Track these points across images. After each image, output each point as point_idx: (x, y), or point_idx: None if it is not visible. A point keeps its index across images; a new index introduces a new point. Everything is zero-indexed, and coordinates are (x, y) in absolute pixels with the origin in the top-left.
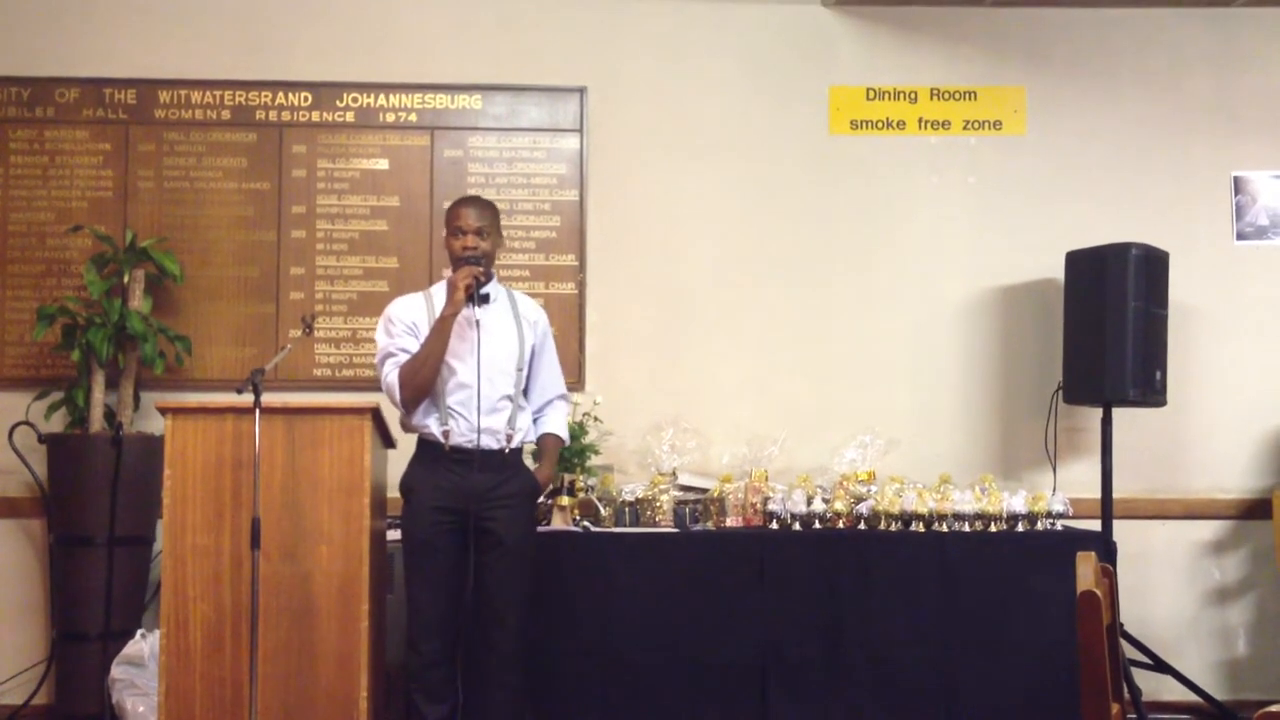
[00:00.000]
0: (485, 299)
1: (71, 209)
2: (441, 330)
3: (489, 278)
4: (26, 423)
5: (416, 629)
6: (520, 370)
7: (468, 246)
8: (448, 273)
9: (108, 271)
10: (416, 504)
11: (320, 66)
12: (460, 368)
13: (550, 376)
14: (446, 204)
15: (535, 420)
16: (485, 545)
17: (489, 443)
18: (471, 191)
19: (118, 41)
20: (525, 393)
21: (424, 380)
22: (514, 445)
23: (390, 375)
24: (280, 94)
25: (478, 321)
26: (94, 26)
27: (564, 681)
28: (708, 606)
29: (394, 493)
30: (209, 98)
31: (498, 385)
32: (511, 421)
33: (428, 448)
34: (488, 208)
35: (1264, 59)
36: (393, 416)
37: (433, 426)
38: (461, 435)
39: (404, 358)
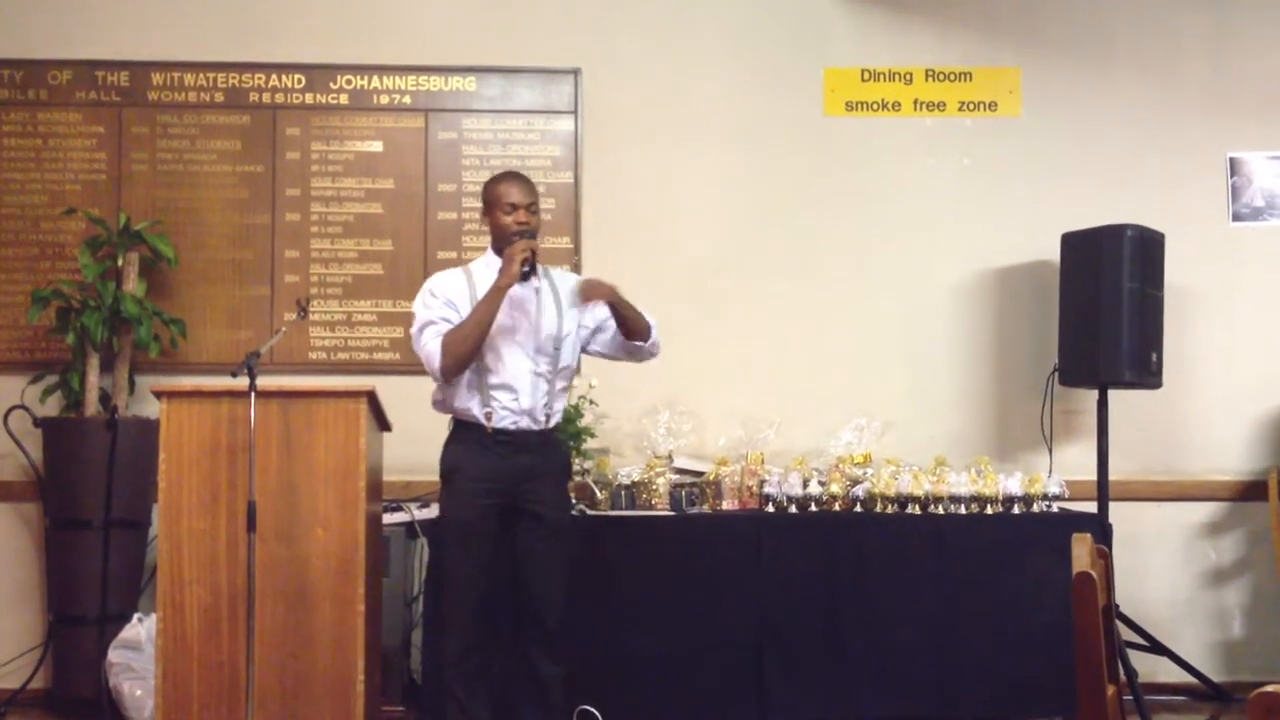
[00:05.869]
0: (535, 275)
1: (65, 192)
2: (492, 301)
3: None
4: (21, 406)
5: (458, 615)
6: (558, 350)
7: (521, 221)
8: (489, 250)
9: (102, 255)
10: (460, 486)
11: (313, 48)
12: (503, 347)
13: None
14: (442, 186)
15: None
16: (527, 526)
17: (529, 424)
18: (466, 174)
19: (110, 23)
20: (566, 370)
21: (468, 350)
22: (550, 425)
23: (431, 343)
24: (274, 76)
25: (523, 299)
26: (86, 8)
27: None
28: (704, 589)
29: (390, 475)
30: (202, 80)
31: (539, 365)
32: (550, 403)
33: (468, 430)
34: (531, 183)
35: (1259, 40)
36: (402, 397)
37: (475, 408)
38: (504, 417)
39: (445, 327)
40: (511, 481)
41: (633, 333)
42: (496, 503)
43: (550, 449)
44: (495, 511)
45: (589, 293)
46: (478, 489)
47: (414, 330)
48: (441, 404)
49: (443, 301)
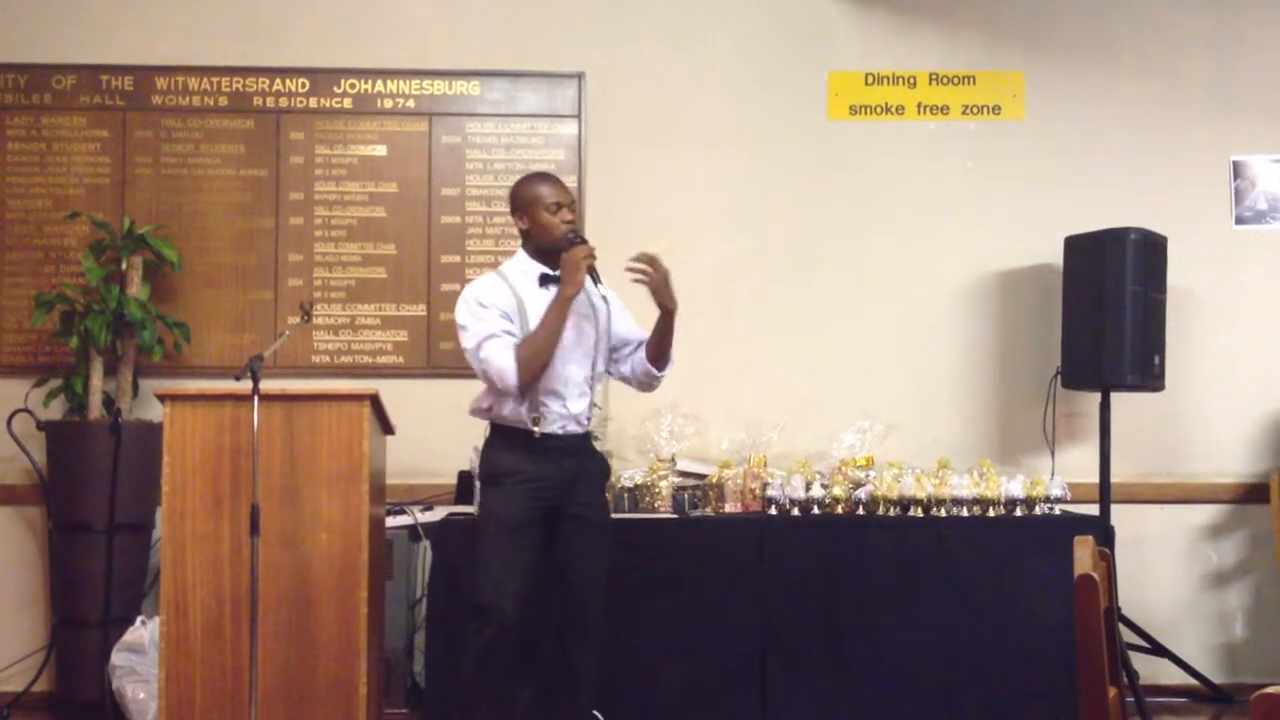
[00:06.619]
0: (597, 280)
1: (69, 196)
2: (561, 312)
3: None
4: (25, 410)
5: (499, 590)
6: (598, 353)
7: (568, 220)
8: (521, 253)
9: (106, 258)
10: (512, 488)
11: (318, 52)
12: (560, 354)
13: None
14: (446, 190)
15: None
16: (572, 528)
17: (575, 428)
18: (470, 178)
19: (115, 28)
20: (601, 374)
21: (544, 363)
22: (590, 427)
23: (501, 357)
24: (278, 80)
25: (580, 305)
26: (91, 13)
27: None
28: (707, 592)
29: (393, 479)
30: (206, 84)
31: (583, 369)
32: (590, 405)
33: (514, 435)
34: (564, 182)
35: (1262, 42)
36: (405, 401)
37: (523, 414)
38: (553, 423)
39: (509, 339)
40: (560, 485)
41: (658, 357)
42: (544, 505)
43: (590, 452)
44: (542, 514)
45: (662, 294)
46: (532, 488)
47: (470, 345)
48: (487, 411)
49: (498, 313)
